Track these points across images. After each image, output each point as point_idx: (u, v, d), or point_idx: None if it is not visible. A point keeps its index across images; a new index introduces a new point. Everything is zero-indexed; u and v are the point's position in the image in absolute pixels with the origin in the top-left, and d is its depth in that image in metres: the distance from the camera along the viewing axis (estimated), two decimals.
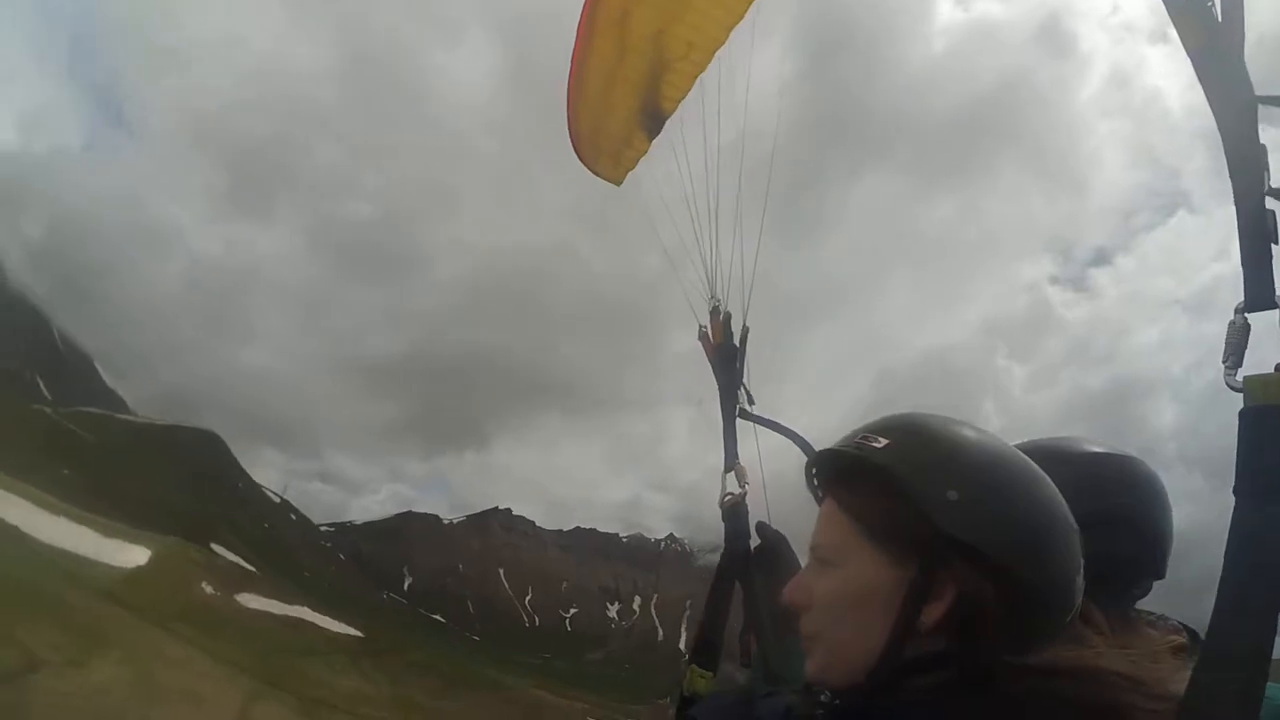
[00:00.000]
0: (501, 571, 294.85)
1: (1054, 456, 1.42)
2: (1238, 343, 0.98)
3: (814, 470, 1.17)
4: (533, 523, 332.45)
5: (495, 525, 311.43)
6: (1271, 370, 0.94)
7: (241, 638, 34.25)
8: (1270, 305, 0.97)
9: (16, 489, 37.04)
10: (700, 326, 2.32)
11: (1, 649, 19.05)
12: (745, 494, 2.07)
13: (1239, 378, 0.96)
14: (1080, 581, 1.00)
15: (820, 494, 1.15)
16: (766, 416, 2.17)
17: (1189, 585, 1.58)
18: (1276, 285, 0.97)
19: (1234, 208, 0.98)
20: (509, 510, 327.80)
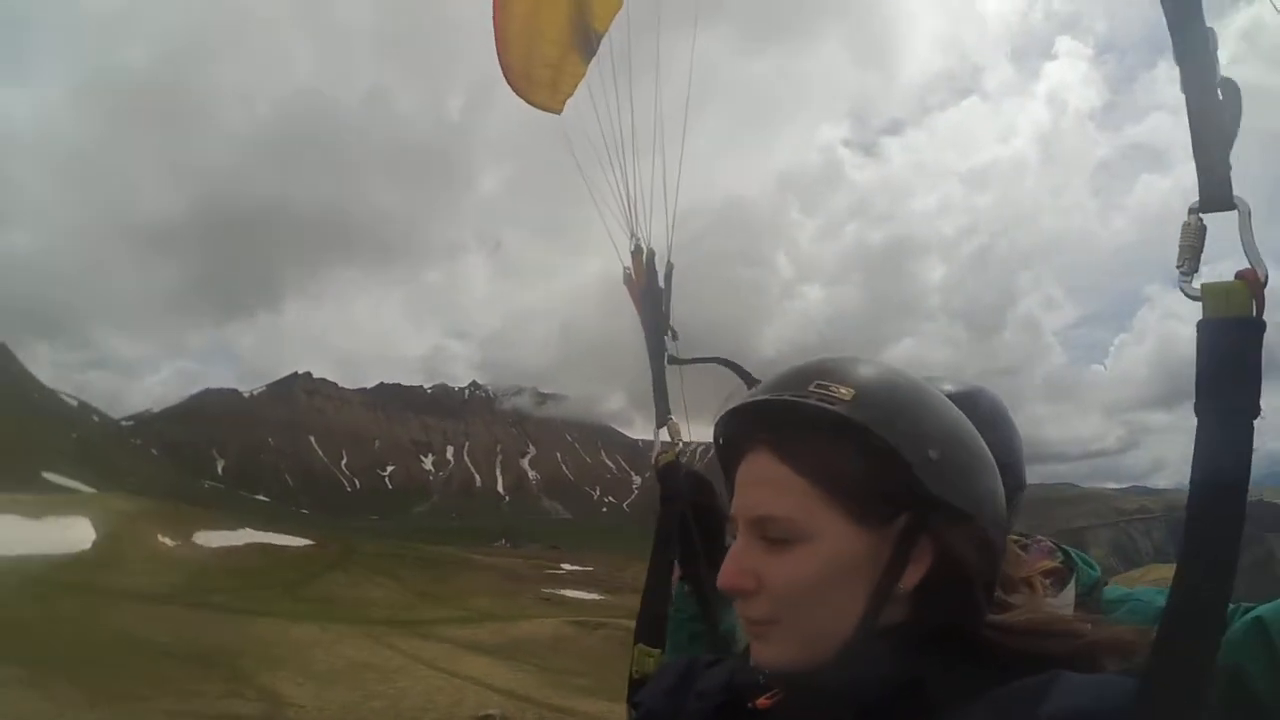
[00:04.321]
0: (313, 439, 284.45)
1: None
2: (1194, 246, 0.84)
3: (738, 420, 0.96)
4: (335, 384, 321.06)
5: (298, 391, 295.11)
6: (1231, 279, 0.80)
7: (250, 584, 32.84)
8: (1227, 205, 0.83)
9: None
10: (624, 269, 2.09)
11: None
12: (680, 450, 1.88)
13: (1196, 285, 0.82)
14: None
15: (717, 446, 1.01)
16: (701, 355, 1.99)
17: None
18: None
19: (1182, 97, 0.85)
20: (309, 374, 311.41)
